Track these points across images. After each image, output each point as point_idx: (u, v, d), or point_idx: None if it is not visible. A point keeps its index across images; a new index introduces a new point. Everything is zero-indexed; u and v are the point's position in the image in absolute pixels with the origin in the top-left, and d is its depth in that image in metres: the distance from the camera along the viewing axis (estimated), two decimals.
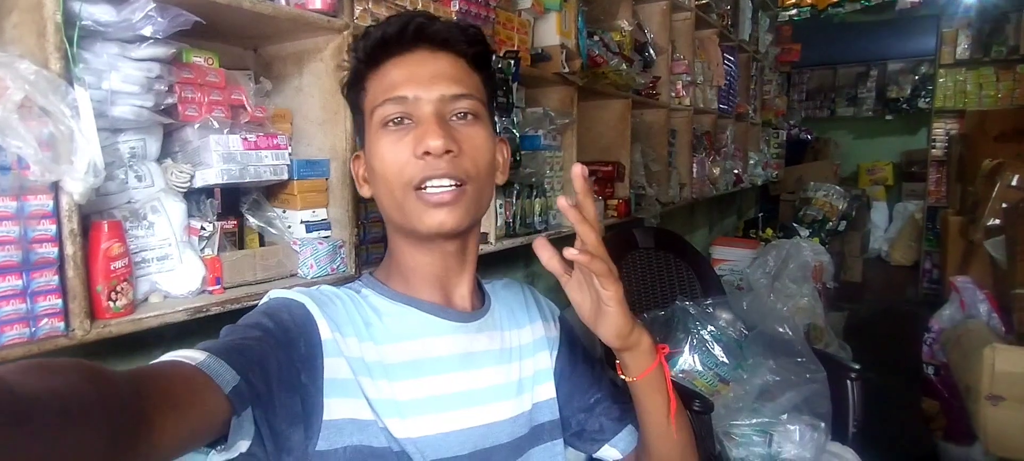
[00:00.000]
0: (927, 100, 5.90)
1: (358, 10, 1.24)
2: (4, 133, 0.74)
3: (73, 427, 0.32)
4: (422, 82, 0.67)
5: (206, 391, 0.49)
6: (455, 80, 0.68)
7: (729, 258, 3.55)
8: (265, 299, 0.68)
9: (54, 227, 0.81)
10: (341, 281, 0.92)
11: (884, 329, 4.21)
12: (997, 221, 2.81)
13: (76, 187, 0.80)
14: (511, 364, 0.76)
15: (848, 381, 1.71)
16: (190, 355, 0.51)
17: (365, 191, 0.75)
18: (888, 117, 6.75)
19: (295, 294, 0.66)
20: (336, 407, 0.62)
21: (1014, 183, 2.85)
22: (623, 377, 0.71)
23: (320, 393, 0.61)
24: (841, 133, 7.13)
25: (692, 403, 1.45)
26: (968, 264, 3.08)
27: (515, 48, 1.68)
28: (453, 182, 0.66)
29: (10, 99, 0.75)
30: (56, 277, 0.81)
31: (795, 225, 4.55)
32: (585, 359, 0.85)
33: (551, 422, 0.78)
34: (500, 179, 0.77)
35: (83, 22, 0.85)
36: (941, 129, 5.08)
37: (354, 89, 0.73)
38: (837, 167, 6.23)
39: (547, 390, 0.79)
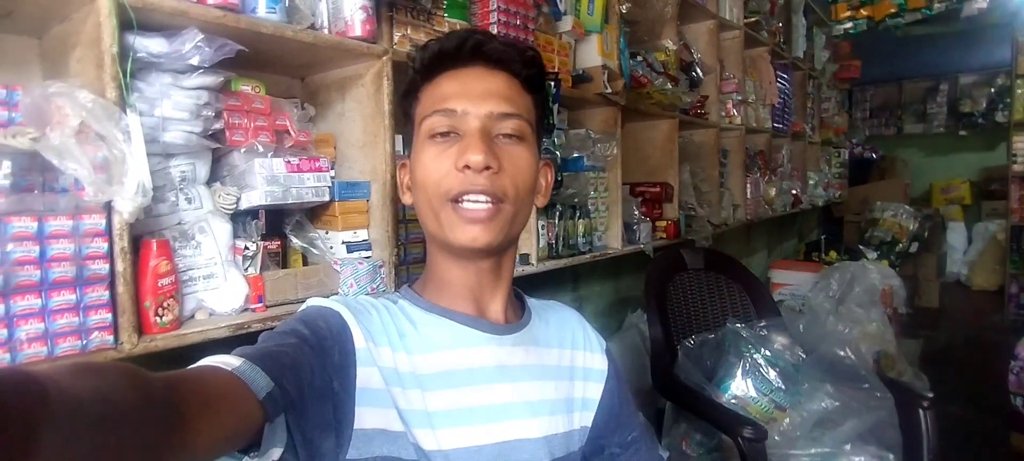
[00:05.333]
0: (1005, 113, 5.54)
1: (397, 36, 1.28)
2: (63, 156, 0.80)
3: (114, 427, 0.33)
4: (472, 97, 0.68)
5: (240, 397, 0.49)
6: (505, 99, 0.69)
7: (789, 282, 3.39)
8: (303, 307, 0.69)
9: (106, 245, 0.85)
10: None
11: (965, 358, 3.90)
12: None
13: (126, 207, 0.84)
14: (547, 382, 0.75)
15: (920, 410, 1.58)
16: (226, 360, 0.52)
17: (407, 199, 0.76)
18: (962, 133, 6.40)
19: (331, 303, 0.67)
20: (367, 417, 0.62)
21: None
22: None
23: (352, 401, 0.61)
24: (910, 151, 6.78)
25: (743, 430, 1.37)
26: None
27: (556, 70, 1.69)
28: (489, 199, 0.66)
29: (69, 125, 0.80)
30: (107, 292, 0.86)
31: (861, 247, 4.31)
32: (626, 395, 0.85)
33: (579, 451, 0.77)
34: (540, 202, 0.78)
35: (138, 54, 0.91)
36: (1022, 143, 4.76)
37: (408, 98, 0.74)
38: (907, 186, 5.90)
39: (586, 418, 0.79)
